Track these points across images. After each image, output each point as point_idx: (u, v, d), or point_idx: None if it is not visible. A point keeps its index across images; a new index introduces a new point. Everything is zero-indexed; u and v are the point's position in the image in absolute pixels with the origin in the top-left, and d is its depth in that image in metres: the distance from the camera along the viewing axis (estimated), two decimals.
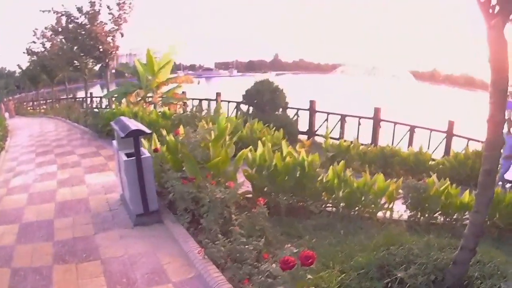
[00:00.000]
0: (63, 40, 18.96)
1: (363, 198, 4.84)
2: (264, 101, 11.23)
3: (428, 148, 10.33)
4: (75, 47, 17.68)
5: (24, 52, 26.83)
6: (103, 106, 20.31)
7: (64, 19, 17.20)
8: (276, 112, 11.89)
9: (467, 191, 5.06)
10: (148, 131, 4.20)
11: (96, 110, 19.08)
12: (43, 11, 16.66)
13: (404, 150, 9.47)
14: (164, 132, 5.23)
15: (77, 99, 26.02)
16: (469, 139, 10.33)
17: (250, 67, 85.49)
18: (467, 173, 8.21)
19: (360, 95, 39.82)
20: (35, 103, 32.17)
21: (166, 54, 13.18)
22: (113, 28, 16.56)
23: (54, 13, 16.84)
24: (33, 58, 28.16)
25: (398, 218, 4.98)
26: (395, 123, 12.02)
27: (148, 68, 12.50)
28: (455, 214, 5.10)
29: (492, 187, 2.72)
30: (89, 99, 23.48)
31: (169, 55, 13.14)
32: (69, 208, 4.81)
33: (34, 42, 25.04)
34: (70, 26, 16.94)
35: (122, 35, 16.80)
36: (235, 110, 14.04)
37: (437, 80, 79.62)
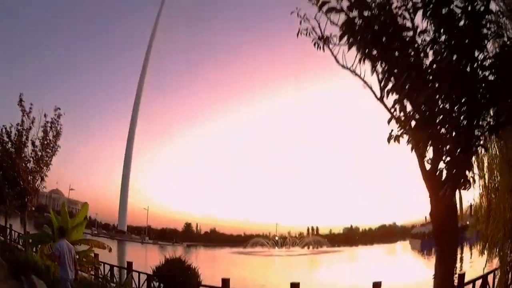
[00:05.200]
0: None
1: None
2: (176, 281, 11.24)
3: None
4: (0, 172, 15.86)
5: None
6: (20, 243, 18.53)
7: None
8: None
9: None
10: None
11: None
12: None
13: None
14: None
15: None
16: None
17: (162, 235, 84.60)
18: None
19: (273, 269, 40.99)
20: None
21: (81, 213, 13.63)
22: (34, 168, 15.33)
23: None
24: None
25: None
26: None
27: (62, 224, 12.40)
28: None
29: None
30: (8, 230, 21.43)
31: (83, 214, 13.55)
32: None
33: None
34: None
35: (42, 179, 15.61)
36: (146, 282, 13.89)
37: (354, 240, 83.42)
